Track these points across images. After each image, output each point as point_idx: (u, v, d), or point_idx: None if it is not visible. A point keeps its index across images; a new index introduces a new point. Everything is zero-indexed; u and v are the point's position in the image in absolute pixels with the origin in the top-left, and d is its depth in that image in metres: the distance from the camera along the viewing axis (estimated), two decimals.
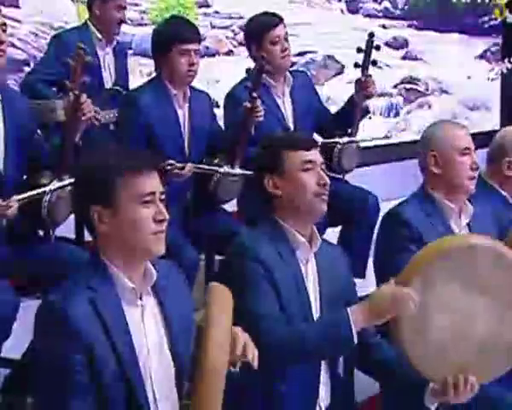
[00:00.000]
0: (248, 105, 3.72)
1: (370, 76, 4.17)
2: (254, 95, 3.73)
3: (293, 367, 2.44)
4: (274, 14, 4.14)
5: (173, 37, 3.68)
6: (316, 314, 2.52)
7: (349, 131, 4.24)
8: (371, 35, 4.22)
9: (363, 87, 4.14)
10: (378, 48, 4.22)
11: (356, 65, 4.22)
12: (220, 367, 1.90)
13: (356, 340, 2.32)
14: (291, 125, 4.13)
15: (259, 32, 4.05)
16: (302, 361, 2.43)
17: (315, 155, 2.56)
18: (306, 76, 4.49)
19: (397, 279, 2.33)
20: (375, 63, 4.22)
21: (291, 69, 4.29)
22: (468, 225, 3.04)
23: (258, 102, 3.75)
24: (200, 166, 3.71)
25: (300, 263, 2.53)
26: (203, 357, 1.90)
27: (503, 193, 3.44)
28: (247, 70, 3.76)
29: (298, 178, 2.52)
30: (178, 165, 3.59)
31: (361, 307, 2.35)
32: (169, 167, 3.55)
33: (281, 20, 4.10)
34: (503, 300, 2.34)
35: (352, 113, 4.20)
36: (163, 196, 2.10)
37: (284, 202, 2.54)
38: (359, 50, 4.20)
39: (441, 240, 2.41)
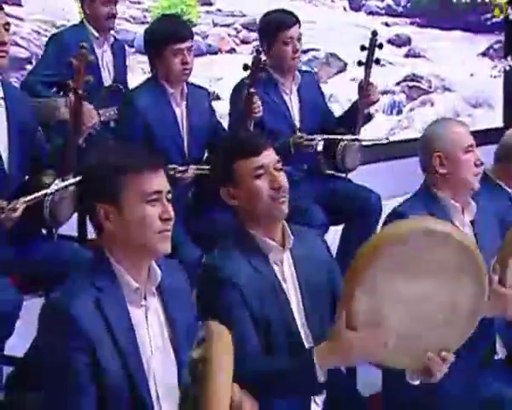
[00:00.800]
0: (245, 99, 3.73)
1: (372, 84, 4.17)
2: (252, 90, 3.74)
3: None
4: (290, 13, 4.16)
5: (166, 37, 3.68)
6: (297, 313, 2.48)
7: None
8: (374, 33, 4.23)
9: (364, 95, 4.15)
10: (381, 46, 4.23)
11: (359, 63, 4.23)
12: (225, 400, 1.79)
13: (323, 378, 2.28)
14: (297, 123, 4.16)
15: (273, 30, 4.08)
16: (277, 397, 2.38)
17: (266, 157, 2.46)
18: (313, 76, 4.53)
19: (341, 301, 2.31)
20: (378, 62, 4.23)
21: (298, 69, 4.31)
22: (471, 222, 3.05)
23: (256, 98, 3.76)
24: (203, 166, 3.71)
25: (275, 266, 2.48)
26: (203, 398, 1.78)
27: (510, 190, 3.44)
28: (245, 66, 3.76)
29: (251, 186, 2.44)
30: (180, 168, 3.60)
31: (328, 349, 2.28)
32: (171, 172, 3.56)
33: (297, 20, 4.11)
34: (449, 273, 2.31)
35: (355, 118, 4.21)
36: (170, 196, 2.10)
37: (244, 211, 2.48)
38: (363, 48, 4.21)
39: (370, 241, 2.35)
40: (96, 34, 4.37)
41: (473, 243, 2.41)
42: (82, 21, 4.42)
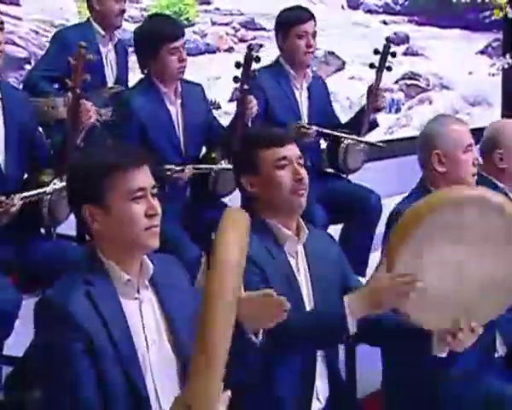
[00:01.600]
0: (239, 97, 3.74)
1: (381, 89, 4.21)
2: (245, 87, 3.75)
3: (291, 354, 2.43)
4: (306, 9, 4.25)
5: (161, 36, 3.68)
6: (308, 306, 2.51)
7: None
8: (388, 40, 4.29)
9: (373, 99, 4.17)
10: (394, 55, 4.30)
11: (371, 66, 4.28)
12: (234, 262, 1.85)
13: (354, 330, 2.31)
14: (305, 119, 4.19)
15: (288, 24, 4.14)
16: (301, 346, 2.42)
17: (290, 150, 2.52)
18: (323, 81, 4.55)
19: (386, 254, 2.32)
20: (389, 69, 4.27)
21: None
22: None
23: (250, 96, 3.77)
24: (199, 166, 3.71)
25: (289, 257, 2.52)
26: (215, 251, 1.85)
27: (500, 185, 3.43)
28: (237, 64, 3.77)
29: (273, 176, 2.49)
30: (177, 168, 3.60)
31: (359, 296, 2.33)
32: (168, 173, 3.56)
33: (312, 16, 4.18)
34: (496, 244, 2.33)
35: (361, 122, 4.23)
36: (155, 191, 2.09)
37: (263, 200, 2.52)
38: (376, 52, 4.27)
39: (421, 202, 2.37)
40: (103, 33, 4.37)
41: None
42: (88, 20, 4.42)
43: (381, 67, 4.26)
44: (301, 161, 2.54)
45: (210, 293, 1.81)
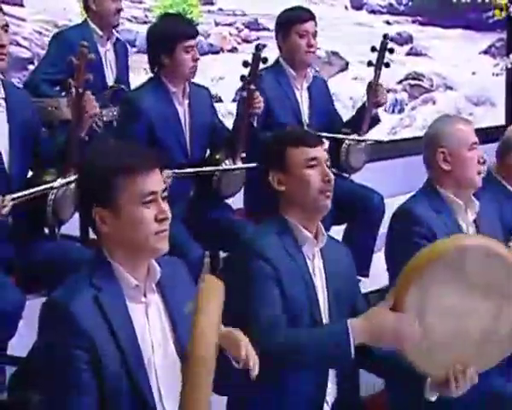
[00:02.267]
0: (244, 95, 3.74)
1: (381, 85, 4.21)
2: (252, 87, 3.75)
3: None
4: (306, 10, 4.26)
5: (177, 34, 3.69)
6: (323, 309, 2.53)
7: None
8: (386, 36, 4.29)
9: (373, 95, 4.18)
10: (392, 51, 4.31)
11: (369, 63, 4.28)
12: (206, 354, 1.88)
13: (353, 355, 2.32)
14: (306, 119, 4.19)
15: (288, 23, 4.15)
16: (300, 369, 2.43)
17: (319, 151, 2.57)
18: (324, 81, 4.56)
19: (393, 292, 2.34)
20: (387, 65, 4.27)
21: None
22: (474, 221, 3.04)
23: (257, 93, 3.77)
24: (200, 169, 3.70)
25: (307, 258, 2.54)
26: (189, 344, 1.90)
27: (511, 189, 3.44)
28: (245, 63, 3.77)
29: (302, 174, 2.53)
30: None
31: (363, 324, 2.34)
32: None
33: (312, 16, 4.19)
34: (499, 295, 2.36)
35: (362, 119, 4.23)
36: (165, 194, 2.08)
37: (289, 198, 2.54)
38: (373, 49, 4.26)
39: (431, 246, 2.41)
40: (100, 33, 4.37)
41: None
42: (85, 20, 4.42)
43: (378, 64, 4.24)
44: (329, 164, 2.59)
45: (187, 390, 1.90)
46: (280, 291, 2.44)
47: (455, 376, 2.39)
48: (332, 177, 2.55)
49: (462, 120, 3.25)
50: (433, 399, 2.46)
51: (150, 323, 2.09)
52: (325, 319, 2.52)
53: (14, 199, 3.01)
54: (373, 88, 4.21)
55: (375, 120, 4.34)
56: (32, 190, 3.10)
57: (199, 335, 1.90)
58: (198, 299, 1.95)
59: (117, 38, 4.50)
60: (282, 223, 2.54)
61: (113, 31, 4.47)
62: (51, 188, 3.15)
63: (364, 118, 4.24)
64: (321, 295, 2.54)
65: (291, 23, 4.13)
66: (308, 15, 4.17)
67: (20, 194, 3.05)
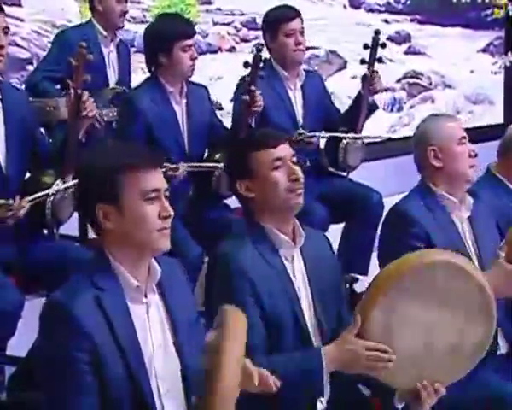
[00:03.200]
0: (247, 98, 3.74)
1: (377, 72, 4.19)
2: (253, 88, 3.75)
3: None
4: (292, 7, 4.21)
5: (174, 34, 3.70)
6: (308, 310, 2.51)
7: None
8: (377, 32, 4.27)
9: (369, 83, 4.16)
10: (384, 45, 4.26)
11: (362, 61, 4.25)
12: (235, 383, 1.86)
13: (327, 386, 2.34)
14: (300, 119, 4.17)
15: (275, 23, 4.12)
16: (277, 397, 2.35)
17: (284, 150, 2.51)
18: (319, 76, 4.54)
19: (359, 310, 2.35)
20: (380, 60, 4.25)
21: (304, 68, 4.33)
22: (468, 218, 3.05)
23: (257, 92, 3.77)
24: (195, 164, 3.71)
25: (285, 261, 2.51)
26: (218, 371, 1.85)
27: None
28: (245, 63, 3.77)
29: (269, 177, 2.48)
30: (171, 166, 3.60)
31: (335, 353, 2.34)
32: (163, 169, 3.56)
33: (298, 13, 4.15)
34: (465, 310, 2.39)
35: (359, 108, 4.21)
36: (167, 193, 2.10)
37: (260, 203, 2.50)
38: (366, 47, 4.23)
39: (397, 262, 2.40)
40: (104, 33, 4.38)
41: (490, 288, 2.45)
42: (90, 20, 4.42)
43: (371, 61, 4.21)
44: (295, 160, 2.53)
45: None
46: (260, 305, 2.41)
47: (423, 390, 2.40)
48: (299, 174, 2.50)
49: (449, 116, 3.29)
50: (399, 407, 2.47)
51: (151, 324, 2.10)
52: (310, 322, 2.51)
53: (30, 201, 3.03)
54: (369, 76, 4.17)
55: (374, 107, 4.32)
56: (47, 192, 3.11)
57: (232, 362, 1.86)
58: (226, 328, 1.89)
59: (120, 40, 4.51)
60: (257, 229, 2.50)
61: (117, 32, 4.47)
62: (65, 189, 3.16)
63: (361, 109, 4.22)
64: (303, 297, 2.52)
65: (277, 23, 4.10)
66: (293, 13, 4.14)
67: (35, 196, 3.07)
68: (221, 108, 5.27)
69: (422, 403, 2.41)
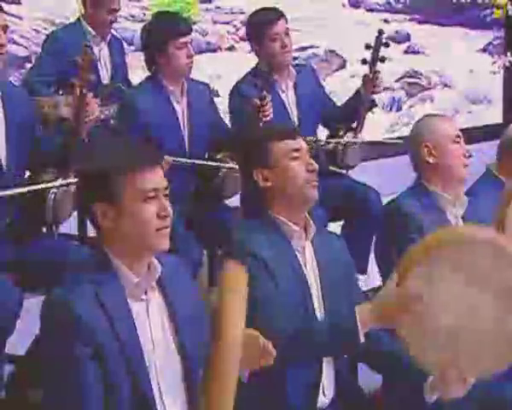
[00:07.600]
0: (258, 103, 3.72)
1: (379, 72, 4.18)
2: (265, 93, 3.73)
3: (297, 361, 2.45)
4: (274, 9, 4.12)
5: (170, 32, 3.69)
6: (317, 301, 2.52)
7: (354, 125, 4.26)
8: (381, 32, 4.23)
9: (370, 83, 4.15)
10: (387, 45, 4.24)
11: (364, 61, 4.22)
12: (235, 339, 1.89)
13: (362, 339, 2.33)
14: (295, 120, 4.14)
15: (259, 29, 4.04)
16: (311, 355, 2.45)
17: (301, 142, 2.57)
18: (311, 69, 4.47)
19: (398, 271, 2.30)
20: (383, 60, 4.23)
21: (295, 63, 4.30)
22: (462, 218, 3.05)
23: (269, 97, 3.75)
24: (180, 159, 3.67)
25: (296, 252, 2.53)
26: (221, 320, 1.89)
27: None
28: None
29: (287, 167, 2.52)
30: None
31: (369, 309, 2.35)
32: None
33: (281, 15, 4.07)
34: (506, 294, 2.30)
35: (358, 106, 4.21)
36: (167, 192, 2.10)
37: (276, 193, 2.53)
38: (367, 47, 4.20)
39: (441, 231, 2.38)
40: (93, 32, 4.36)
41: None
42: (78, 19, 4.42)
43: (373, 61, 4.19)
44: (310, 153, 2.59)
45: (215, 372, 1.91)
46: (274, 285, 2.44)
47: (452, 379, 2.37)
48: (316, 166, 2.55)
49: (443, 117, 3.30)
50: (432, 400, 2.44)
51: (151, 321, 2.09)
52: (319, 312, 2.52)
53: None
54: (370, 77, 4.15)
55: (372, 105, 4.31)
56: (46, 185, 3.11)
57: (229, 317, 1.89)
58: (224, 282, 1.94)
59: (112, 35, 4.49)
60: (269, 219, 2.53)
61: (110, 28, 4.45)
62: (67, 185, 3.16)
63: (361, 108, 4.21)
64: (314, 288, 2.53)
65: (260, 28, 4.01)
66: (276, 16, 4.04)
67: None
68: (218, 96, 5.24)
69: (451, 393, 2.39)
